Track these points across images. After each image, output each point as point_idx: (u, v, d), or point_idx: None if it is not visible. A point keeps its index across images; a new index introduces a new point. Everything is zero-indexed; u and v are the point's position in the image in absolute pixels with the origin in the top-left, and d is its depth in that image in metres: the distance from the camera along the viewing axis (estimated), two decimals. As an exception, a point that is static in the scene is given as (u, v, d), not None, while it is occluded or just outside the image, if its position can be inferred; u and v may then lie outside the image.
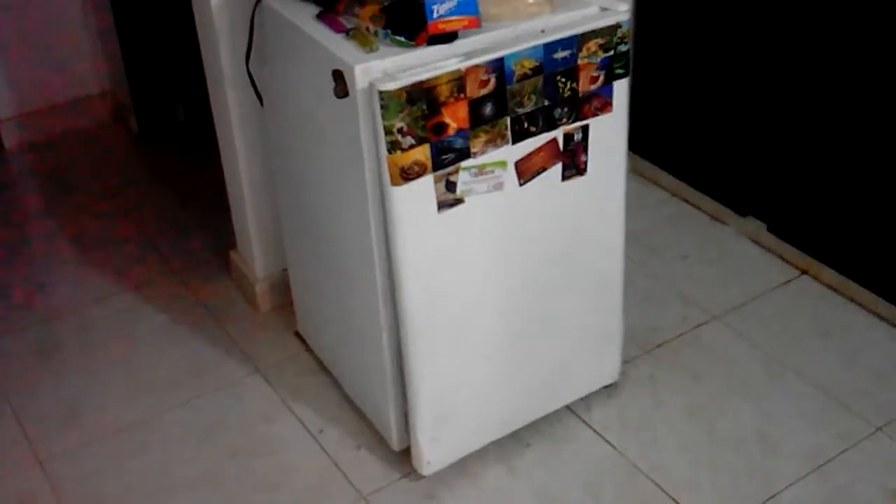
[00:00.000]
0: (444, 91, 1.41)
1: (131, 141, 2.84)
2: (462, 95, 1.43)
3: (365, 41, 1.45)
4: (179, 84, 2.75)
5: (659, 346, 2.02)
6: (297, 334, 2.06)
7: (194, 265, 2.31)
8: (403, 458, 1.74)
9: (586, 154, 1.61)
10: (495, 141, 1.50)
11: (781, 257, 2.24)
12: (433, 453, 1.69)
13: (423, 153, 1.44)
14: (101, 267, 2.32)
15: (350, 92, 1.43)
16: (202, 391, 1.96)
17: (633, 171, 2.50)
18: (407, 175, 1.44)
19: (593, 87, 1.55)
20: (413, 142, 1.42)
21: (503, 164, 1.53)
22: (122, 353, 2.07)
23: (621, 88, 1.59)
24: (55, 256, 2.37)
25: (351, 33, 1.47)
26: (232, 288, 2.23)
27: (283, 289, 2.09)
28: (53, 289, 2.26)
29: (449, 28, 1.43)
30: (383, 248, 1.56)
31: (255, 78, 1.76)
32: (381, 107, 1.38)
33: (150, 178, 2.68)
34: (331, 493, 1.72)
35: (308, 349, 2.03)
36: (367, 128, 1.45)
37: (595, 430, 1.83)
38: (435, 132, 1.44)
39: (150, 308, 2.18)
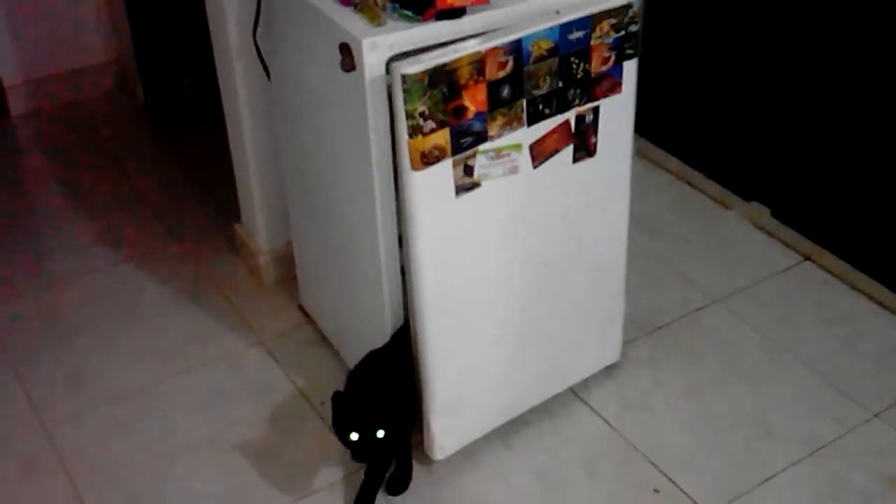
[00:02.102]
0: (464, 74, 1.42)
1: (137, 111, 2.86)
2: (481, 78, 1.44)
3: (373, 15, 1.46)
4: (186, 55, 2.76)
5: (659, 328, 2.05)
6: (300, 307, 2.09)
7: (199, 237, 2.33)
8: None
9: (596, 136, 1.63)
10: (511, 124, 1.51)
11: (785, 243, 2.26)
12: (446, 439, 1.71)
13: (443, 137, 1.45)
14: (106, 235, 2.35)
15: (357, 66, 1.44)
16: (204, 360, 1.99)
17: (639, 153, 2.52)
18: (427, 159, 1.45)
19: (604, 67, 1.57)
20: (434, 126, 1.43)
21: (518, 146, 1.54)
22: (126, 321, 2.10)
23: (630, 69, 1.61)
24: (59, 223, 2.40)
25: (359, 6, 1.49)
26: (236, 260, 2.25)
27: (286, 262, 2.11)
28: (58, 256, 2.29)
29: (457, 3, 1.45)
30: (388, 224, 1.58)
31: (262, 50, 1.77)
32: (404, 90, 1.38)
33: (155, 148, 2.70)
34: (330, 464, 1.75)
35: (310, 322, 2.06)
36: (374, 102, 1.46)
37: (593, 409, 1.86)
38: (455, 116, 1.45)
39: (154, 278, 2.21)
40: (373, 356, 1.69)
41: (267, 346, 2.02)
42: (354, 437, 1.53)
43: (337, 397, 1.58)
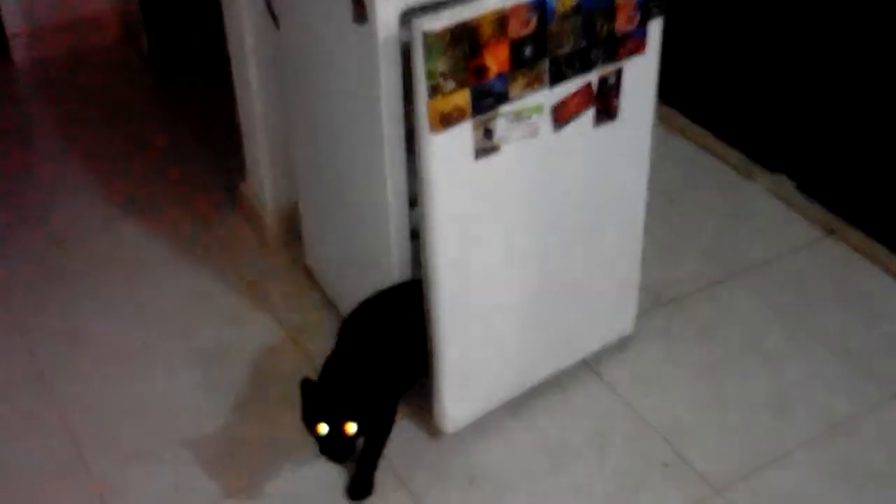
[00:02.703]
0: (486, 31, 1.38)
1: (142, 62, 2.82)
2: (504, 36, 1.40)
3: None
4: (193, 6, 2.71)
5: (675, 300, 2.02)
6: (306, 268, 2.07)
7: (203, 194, 2.31)
8: (407, 396, 1.76)
9: (619, 98, 1.59)
10: (533, 85, 1.47)
11: (808, 216, 2.22)
12: (457, 411, 1.69)
13: (463, 98, 1.41)
14: (109, 190, 2.32)
15: (369, 17, 1.40)
16: (207, 321, 1.98)
17: (661, 120, 2.47)
18: (446, 121, 1.41)
19: (629, 27, 1.53)
20: (454, 86, 1.39)
21: (540, 108, 1.50)
22: (129, 277, 2.09)
23: (655, 29, 1.57)
24: (62, 177, 2.38)
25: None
26: (241, 219, 2.23)
27: (292, 222, 2.09)
28: (61, 211, 2.27)
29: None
30: (397, 186, 1.55)
31: (272, -1, 1.73)
32: (425, 49, 1.34)
33: (159, 102, 2.66)
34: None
35: (315, 283, 2.04)
36: (386, 58, 1.42)
37: (604, 382, 1.84)
38: (476, 75, 1.41)
39: (158, 235, 2.19)
40: (354, 329, 1.62)
41: (272, 308, 2.00)
42: (324, 429, 1.44)
43: (307, 386, 1.48)
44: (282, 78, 1.89)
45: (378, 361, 1.57)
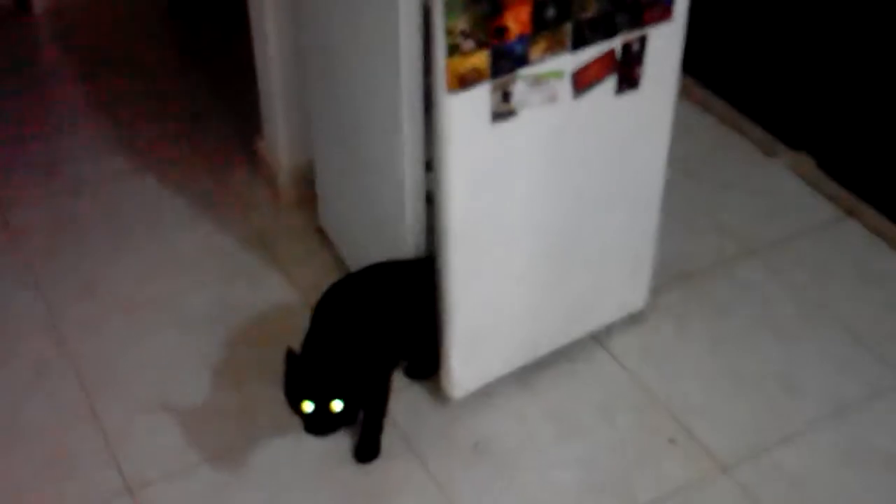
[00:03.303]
0: (508, -10, 1.34)
1: (162, 18, 2.79)
2: (526, -4, 1.36)
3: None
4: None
5: (689, 276, 1.99)
6: (319, 229, 2.05)
7: (220, 149, 2.29)
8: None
9: (642, 67, 1.55)
10: (554, 49, 1.43)
11: (828, 196, 2.18)
12: (465, 377, 1.68)
13: (481, 59, 1.38)
14: (126, 141, 2.31)
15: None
16: (219, 276, 1.97)
17: (684, 93, 2.41)
18: (464, 82, 1.38)
19: (656, -8, 1.49)
20: (473, 45, 1.36)
21: (560, 74, 1.47)
22: (143, 230, 2.08)
23: (683, -4, 1.52)
24: (80, 129, 2.36)
25: None
26: (256, 175, 2.21)
27: (307, 180, 2.06)
28: (76, 160, 2.26)
29: None
30: (414, 147, 1.52)
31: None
32: (445, 5, 1.31)
33: (178, 55, 2.63)
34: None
35: (328, 244, 2.02)
36: (406, 12, 1.39)
37: (613, 355, 1.82)
38: (496, 36, 1.37)
39: (173, 188, 2.18)
40: (341, 296, 1.57)
41: (283, 267, 1.99)
42: (309, 408, 1.39)
43: (291, 359, 1.42)
44: (300, 35, 1.86)
45: (362, 336, 1.52)
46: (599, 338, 1.85)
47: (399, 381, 1.75)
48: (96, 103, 2.44)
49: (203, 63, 2.58)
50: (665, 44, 1.55)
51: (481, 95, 1.41)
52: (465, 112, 1.41)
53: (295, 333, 1.84)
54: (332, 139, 1.83)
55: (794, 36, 2.19)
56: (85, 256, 2.01)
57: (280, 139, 2.08)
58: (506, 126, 1.46)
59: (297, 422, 1.66)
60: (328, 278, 1.94)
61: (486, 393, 1.73)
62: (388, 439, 1.65)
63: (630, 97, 1.57)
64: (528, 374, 1.77)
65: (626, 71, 1.54)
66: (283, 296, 1.93)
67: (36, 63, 2.63)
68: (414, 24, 1.41)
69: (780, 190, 2.22)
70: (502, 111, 1.44)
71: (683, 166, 2.21)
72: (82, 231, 2.07)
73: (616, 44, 1.50)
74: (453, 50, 1.35)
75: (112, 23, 2.75)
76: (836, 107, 2.14)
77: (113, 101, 2.44)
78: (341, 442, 1.66)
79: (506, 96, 1.43)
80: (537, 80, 1.45)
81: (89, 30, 2.73)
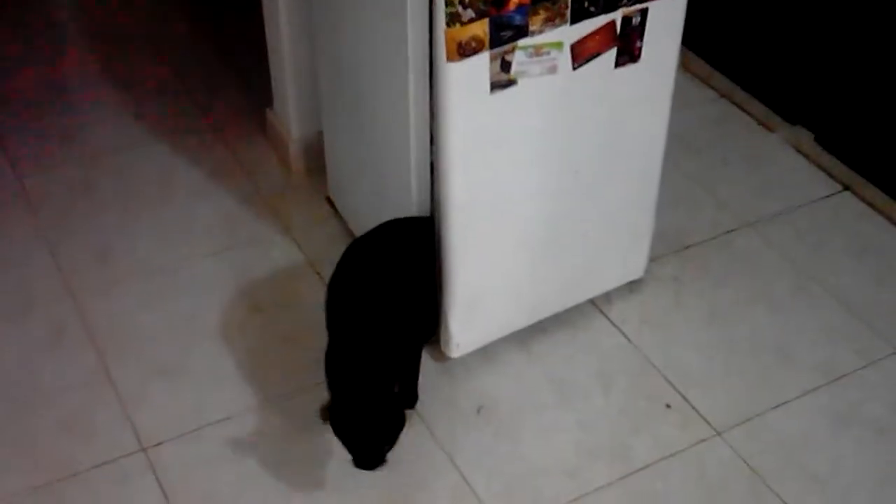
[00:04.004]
0: (508, -40, 1.33)
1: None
2: (526, -33, 1.35)
3: None
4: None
5: (687, 247, 1.99)
6: (328, 199, 2.05)
7: (231, 119, 2.28)
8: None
9: (642, 40, 1.54)
10: (554, 20, 1.42)
11: (826, 170, 2.17)
12: (463, 337, 1.69)
13: (481, 28, 1.37)
14: (138, 112, 2.30)
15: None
16: (231, 245, 1.97)
17: (683, 67, 2.40)
18: (463, 51, 1.37)
19: (658, -34, 1.47)
20: (473, 15, 1.35)
21: (559, 45, 1.46)
22: (156, 199, 2.08)
23: (685, -29, 1.51)
24: (95, 98, 2.36)
25: None
26: (266, 146, 2.21)
27: (317, 151, 2.06)
28: (90, 130, 2.26)
29: None
30: (420, 118, 1.52)
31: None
32: None
33: (190, 27, 2.62)
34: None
35: (337, 214, 2.02)
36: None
37: (612, 322, 1.83)
38: (495, 5, 1.36)
39: (185, 158, 2.18)
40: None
41: (293, 236, 1.99)
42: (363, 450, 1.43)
43: (332, 416, 1.43)
44: (310, 6, 1.84)
45: (385, 373, 1.49)
46: (599, 305, 1.85)
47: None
48: (110, 75, 2.43)
49: (218, 35, 2.57)
50: (666, 17, 1.54)
51: (480, 65, 1.40)
52: (465, 81, 1.41)
53: (304, 298, 1.86)
54: (341, 111, 1.83)
55: (794, 11, 2.17)
56: (99, 223, 2.02)
57: (290, 111, 2.07)
58: (505, 95, 1.46)
59: (306, 381, 1.68)
60: (336, 246, 1.95)
61: (489, 359, 1.74)
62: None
63: (630, 70, 1.56)
64: (530, 339, 1.78)
65: (627, 44, 1.53)
66: (292, 263, 1.93)
67: (51, 35, 2.62)
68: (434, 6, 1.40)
69: (779, 164, 2.21)
70: (501, 81, 1.44)
71: (684, 140, 2.20)
72: (97, 198, 2.08)
73: (616, 17, 1.49)
74: (453, 19, 1.34)
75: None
76: (835, 82, 2.12)
77: (126, 73, 2.43)
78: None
79: (505, 66, 1.43)
80: (537, 51, 1.44)
81: (103, 3, 2.71)
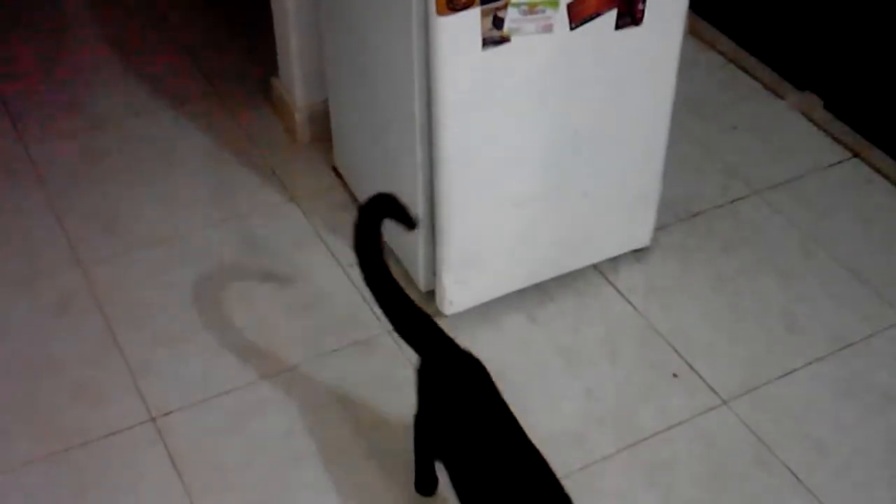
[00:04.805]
0: (502, -87, 1.29)
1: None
2: (521, -81, 1.30)
3: None
4: None
5: (694, 215, 1.94)
6: (334, 168, 2.01)
7: (237, 88, 2.23)
8: (428, 298, 1.72)
9: (644, 3, 1.48)
10: None
11: (834, 137, 2.11)
12: (456, 294, 1.66)
13: None
14: (144, 80, 2.25)
15: None
16: (237, 213, 1.93)
17: (690, 31, 2.33)
18: (454, 5, 1.33)
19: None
20: None
21: (555, 3, 1.41)
22: (162, 167, 2.04)
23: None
24: (99, 66, 2.30)
25: None
26: (272, 115, 2.16)
27: (322, 120, 2.01)
28: (97, 98, 2.21)
29: None
30: (424, 83, 1.47)
31: None
32: None
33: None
34: (357, 322, 1.72)
35: (343, 183, 1.98)
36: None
37: (619, 291, 1.79)
38: None
39: (191, 126, 2.13)
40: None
41: (299, 205, 1.95)
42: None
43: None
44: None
45: None
46: (605, 273, 1.81)
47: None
48: (115, 44, 2.37)
49: (221, 4, 2.50)
50: (672, -20, 1.48)
51: (471, 20, 1.36)
52: (455, 36, 1.37)
53: (310, 268, 1.82)
54: (346, 80, 1.78)
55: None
56: (106, 193, 1.98)
57: (295, 79, 2.01)
58: (498, 52, 1.41)
59: (316, 351, 1.65)
60: (343, 218, 1.92)
61: (496, 327, 1.71)
62: (400, 371, 1.63)
63: (632, 33, 1.50)
64: (536, 306, 1.74)
65: (628, 6, 1.46)
66: (299, 232, 1.89)
67: (57, 6, 2.55)
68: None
69: (787, 130, 2.15)
70: (494, 37, 1.39)
71: (691, 106, 2.14)
72: (104, 168, 2.04)
73: (617, -23, 1.43)
74: None
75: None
76: (843, 48, 2.05)
77: (131, 41, 2.38)
78: (358, 371, 1.64)
79: (498, 21, 1.38)
80: (531, 9, 1.39)
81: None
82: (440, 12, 1.34)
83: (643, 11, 1.48)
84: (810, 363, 1.67)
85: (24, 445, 1.54)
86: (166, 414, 1.58)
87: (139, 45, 2.36)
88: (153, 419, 1.58)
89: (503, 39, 1.40)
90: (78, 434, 1.55)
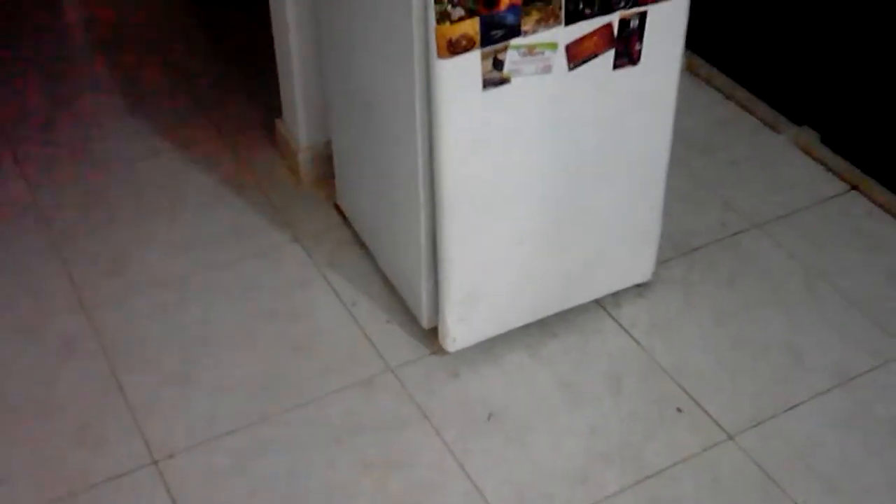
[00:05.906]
0: (499, -40, 1.29)
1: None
2: (517, -34, 1.31)
3: None
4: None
5: (695, 249, 1.92)
6: (337, 207, 2.00)
7: (240, 129, 2.23)
8: (432, 335, 1.70)
9: (641, 43, 1.48)
10: (548, 20, 1.38)
11: (833, 170, 2.10)
12: (459, 332, 1.65)
13: (472, 27, 1.33)
14: (149, 122, 2.25)
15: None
16: (242, 254, 1.92)
17: (688, 68, 2.34)
18: (454, 48, 1.34)
19: (656, -30, 1.42)
20: (462, 13, 1.32)
21: (553, 45, 1.41)
22: (168, 208, 2.03)
23: (686, -26, 1.45)
24: (105, 109, 2.31)
25: None
26: (276, 156, 2.16)
27: (325, 160, 2.01)
28: (100, 140, 2.21)
29: None
30: (426, 122, 1.46)
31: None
32: None
33: (202, 38, 2.57)
34: (359, 361, 1.70)
35: (346, 222, 1.97)
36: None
37: (622, 326, 1.77)
38: (486, 5, 1.33)
39: (195, 168, 2.13)
40: None
41: (303, 244, 1.94)
42: None
43: None
44: (317, 13, 1.79)
45: None
46: (608, 308, 1.79)
47: (412, 352, 1.70)
48: (121, 85, 2.38)
49: (227, 45, 2.52)
50: (666, 20, 1.48)
51: (471, 62, 1.37)
52: (456, 78, 1.37)
53: (315, 307, 1.80)
54: (349, 121, 1.78)
55: (798, 11, 2.10)
56: (111, 234, 1.97)
57: (299, 120, 2.02)
58: (499, 93, 1.41)
59: (322, 392, 1.63)
60: (346, 256, 1.91)
61: (499, 364, 1.69)
62: (404, 408, 1.61)
63: (630, 72, 1.50)
64: (538, 343, 1.72)
65: (625, 47, 1.47)
66: (302, 271, 1.88)
67: (60, 44, 2.57)
68: (426, 4, 1.35)
69: (785, 164, 2.14)
70: (494, 79, 1.40)
71: (690, 142, 2.14)
72: (108, 209, 2.03)
73: (613, 19, 1.43)
74: (442, 17, 1.31)
75: (134, 5, 2.68)
76: (839, 82, 2.05)
77: (136, 83, 2.39)
78: (362, 410, 1.62)
79: (498, 64, 1.38)
80: (530, 50, 1.39)
81: (114, 12, 2.66)
82: (441, 55, 1.34)
83: (640, 51, 1.49)
84: (815, 396, 1.64)
85: (28, 492, 1.51)
86: (170, 456, 1.55)
87: (146, 89, 2.37)
88: (155, 462, 1.55)
89: (503, 80, 1.41)
90: (80, 478, 1.52)
